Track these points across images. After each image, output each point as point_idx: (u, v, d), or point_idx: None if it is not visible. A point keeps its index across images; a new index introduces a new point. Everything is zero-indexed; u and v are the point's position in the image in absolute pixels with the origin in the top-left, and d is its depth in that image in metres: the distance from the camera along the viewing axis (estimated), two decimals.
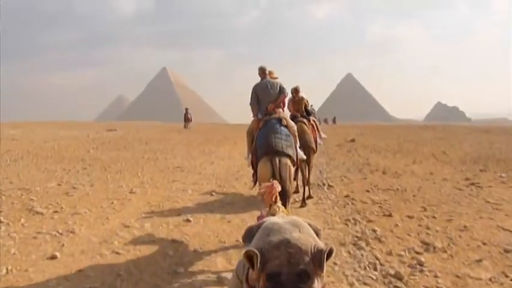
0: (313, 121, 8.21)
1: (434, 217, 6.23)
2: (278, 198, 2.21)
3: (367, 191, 7.93)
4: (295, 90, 8.01)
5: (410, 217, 6.22)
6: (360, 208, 6.70)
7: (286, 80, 5.98)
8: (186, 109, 31.68)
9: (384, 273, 4.13)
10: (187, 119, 30.47)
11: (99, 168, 10.43)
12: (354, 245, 4.93)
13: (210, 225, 5.65)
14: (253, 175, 5.24)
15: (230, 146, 16.08)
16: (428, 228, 5.70)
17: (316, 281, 1.19)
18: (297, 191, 7.74)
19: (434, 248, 4.95)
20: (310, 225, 1.37)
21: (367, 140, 17.64)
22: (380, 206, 6.83)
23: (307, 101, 8.23)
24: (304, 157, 5.93)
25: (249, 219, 5.92)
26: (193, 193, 7.73)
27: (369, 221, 5.99)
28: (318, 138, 8.05)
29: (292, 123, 5.30)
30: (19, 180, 8.63)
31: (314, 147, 7.55)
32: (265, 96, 5.22)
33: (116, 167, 10.55)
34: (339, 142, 17.15)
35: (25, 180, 8.67)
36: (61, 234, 5.17)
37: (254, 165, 4.99)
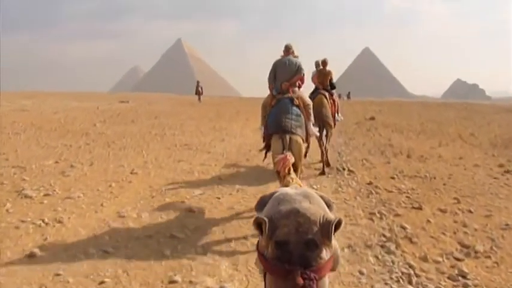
0: (335, 97, 8.16)
1: (470, 211, 5.48)
2: (291, 169, 2.25)
3: (392, 177, 7.16)
4: (323, 63, 7.96)
5: (443, 211, 5.48)
6: (385, 198, 5.96)
7: (302, 54, 5.80)
8: (198, 82, 30.88)
9: (420, 287, 3.43)
10: (198, 92, 29.73)
11: (102, 144, 9.83)
12: (382, 247, 4.21)
13: (215, 217, 4.97)
14: (264, 147, 5.35)
15: (242, 122, 15.32)
16: (465, 225, 4.97)
17: (324, 250, 1.20)
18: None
19: (476, 252, 4.23)
20: (322, 197, 1.36)
21: (387, 118, 16.66)
22: (407, 196, 6.09)
23: (332, 74, 8.08)
24: (317, 134, 6.13)
25: None
26: (200, 176, 7.05)
27: (397, 215, 5.26)
28: (336, 115, 7.99)
29: (307, 101, 5.36)
30: (16, 157, 8.07)
31: (331, 122, 7.49)
32: (282, 73, 5.27)
33: (120, 143, 9.93)
34: (358, 120, 16.25)
35: (22, 156, 8.10)
36: (47, 224, 4.55)
37: (265, 139, 5.18)
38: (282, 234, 1.18)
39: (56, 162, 7.73)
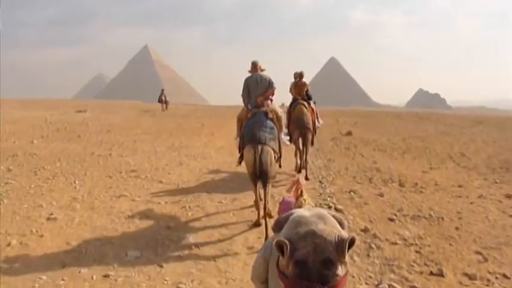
0: (313, 105, 8.55)
1: (505, 276, 4.09)
2: (304, 191, 2.26)
3: (391, 219, 5.64)
4: (300, 75, 8.37)
5: (470, 277, 4.04)
6: (391, 256, 4.44)
7: (267, 63, 6.00)
8: (162, 90, 28.98)
9: None
10: (161, 101, 27.85)
11: (28, 170, 7.87)
12: None
13: None
14: (239, 157, 5.59)
15: (206, 138, 13.55)
16: None
17: (339, 267, 1.27)
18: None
19: None
20: (334, 216, 1.42)
21: (365, 134, 15.30)
22: (417, 251, 4.60)
23: (308, 86, 8.50)
24: (288, 143, 6.90)
25: None
26: (142, 221, 5.24)
27: None
28: (316, 121, 8.43)
29: (279, 113, 5.72)
30: None
31: (311, 128, 7.96)
32: (255, 89, 5.59)
33: (50, 169, 8.00)
34: (333, 135, 14.81)
35: None
36: None
37: (240, 149, 5.46)
38: (301, 255, 1.26)
39: None
